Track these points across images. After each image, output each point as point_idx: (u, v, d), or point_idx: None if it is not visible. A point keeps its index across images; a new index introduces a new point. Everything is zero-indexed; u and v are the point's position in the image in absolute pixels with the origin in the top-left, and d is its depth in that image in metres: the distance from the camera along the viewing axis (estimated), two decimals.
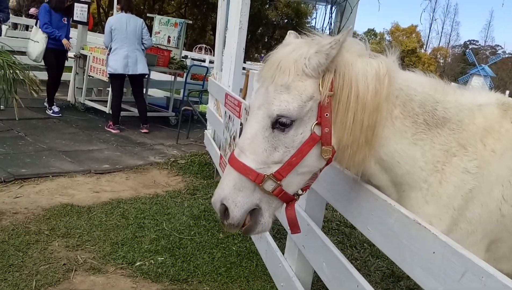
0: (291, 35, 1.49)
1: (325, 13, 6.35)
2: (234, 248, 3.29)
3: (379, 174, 1.51)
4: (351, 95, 1.31)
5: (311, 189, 2.15)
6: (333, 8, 6.39)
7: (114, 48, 6.12)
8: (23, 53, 9.51)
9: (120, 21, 6.16)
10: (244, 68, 6.19)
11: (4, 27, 12.18)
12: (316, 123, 1.31)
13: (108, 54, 6.20)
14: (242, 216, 1.33)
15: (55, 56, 6.51)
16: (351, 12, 6.02)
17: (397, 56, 1.46)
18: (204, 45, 25.55)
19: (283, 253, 2.48)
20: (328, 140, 1.32)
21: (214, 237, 3.43)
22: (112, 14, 13.41)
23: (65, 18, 6.60)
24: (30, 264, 2.73)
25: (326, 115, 1.30)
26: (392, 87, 1.39)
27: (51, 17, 6.37)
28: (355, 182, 1.59)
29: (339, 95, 1.31)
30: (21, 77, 4.83)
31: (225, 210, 1.34)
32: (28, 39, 8.04)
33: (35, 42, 6.36)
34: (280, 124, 1.28)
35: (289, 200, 1.38)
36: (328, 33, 6.69)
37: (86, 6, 7.02)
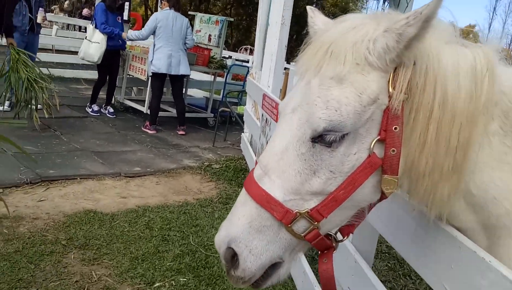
0: (315, 12, 1.05)
1: (377, 9, 5.88)
2: None
3: (463, 213, 1.05)
4: (435, 100, 0.88)
5: None
6: (386, 3, 5.89)
7: (159, 46, 5.92)
8: (74, 53, 9.69)
9: (167, 18, 5.94)
10: (286, 69, 5.79)
11: (55, 27, 12.53)
12: (378, 140, 0.89)
13: (152, 53, 6.05)
14: (259, 270, 0.94)
15: (110, 56, 6.36)
16: (406, 6, 5.47)
17: (499, 44, 1.00)
18: (250, 46, 25.36)
19: None
20: (395, 167, 0.89)
21: None
22: None
23: (119, 17, 6.46)
24: (40, 280, 2.47)
25: (395, 129, 0.87)
26: (492, 90, 0.93)
27: (107, 16, 6.25)
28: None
29: (418, 99, 0.89)
30: (40, 96, 4.83)
31: (233, 256, 0.94)
32: (80, 39, 8.09)
33: (94, 43, 6.20)
34: (326, 141, 0.88)
35: (325, 248, 0.97)
36: None
37: (127, 3, 6.90)
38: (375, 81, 0.87)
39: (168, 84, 6.50)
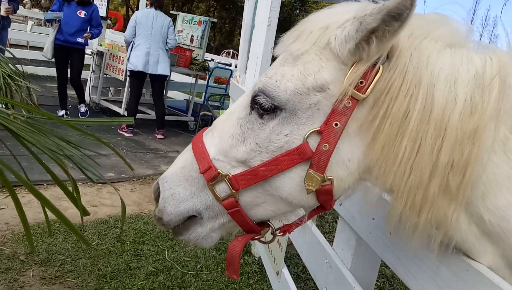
0: None
1: None
2: None
3: (478, 243, 0.86)
4: (412, 110, 0.76)
5: (359, 238, 1.51)
6: None
7: (137, 43, 5.68)
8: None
9: (147, 16, 5.71)
10: None
11: (30, 23, 12.04)
12: (317, 131, 0.81)
13: (130, 50, 5.76)
14: (175, 216, 0.93)
15: (64, 54, 5.79)
16: None
17: None
18: (232, 50, 25.17)
19: None
20: (322, 164, 0.81)
21: (225, 273, 2.80)
22: None
23: (82, 11, 5.77)
24: None
25: (335, 125, 0.80)
26: (507, 101, 0.77)
27: (62, 7, 5.75)
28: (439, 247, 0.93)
29: (386, 105, 0.78)
30: (17, 95, 4.41)
31: (159, 194, 0.95)
32: None
33: (48, 37, 5.91)
34: (257, 103, 0.85)
35: (245, 226, 0.92)
36: None
37: (106, 0, 6.59)
38: (329, 69, 0.82)
39: (148, 85, 6.21)
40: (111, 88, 7.57)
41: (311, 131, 0.81)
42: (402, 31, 0.75)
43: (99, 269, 2.62)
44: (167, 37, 5.80)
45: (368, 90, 0.78)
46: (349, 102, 0.79)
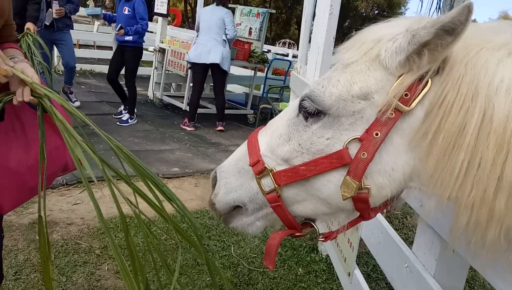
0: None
1: (432, 2, 5.37)
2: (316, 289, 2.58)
3: None
4: (468, 121, 0.73)
5: (445, 242, 1.38)
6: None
7: (198, 39, 5.93)
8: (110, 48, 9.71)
9: (206, 12, 5.90)
10: None
11: (96, 23, 12.68)
12: (358, 139, 0.82)
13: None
14: (224, 204, 1.01)
15: (119, 52, 5.81)
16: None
17: None
18: (288, 40, 24.93)
19: None
20: (359, 172, 0.82)
21: (292, 271, 2.75)
22: None
23: (126, 8, 5.61)
24: None
25: (376, 134, 0.81)
26: None
27: (118, 6, 5.82)
28: None
29: (439, 120, 0.76)
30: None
31: (215, 182, 1.04)
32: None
33: None
34: (303, 107, 0.89)
35: (286, 221, 0.96)
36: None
37: None
38: (376, 79, 0.83)
39: (209, 79, 6.27)
40: (173, 83, 7.76)
41: (352, 138, 0.83)
42: (455, 45, 0.74)
43: (168, 264, 2.68)
44: (225, 28, 5.82)
45: (414, 103, 0.78)
46: (392, 114, 0.79)
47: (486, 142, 0.72)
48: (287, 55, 14.98)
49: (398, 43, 0.79)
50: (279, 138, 0.93)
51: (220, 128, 6.16)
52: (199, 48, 5.79)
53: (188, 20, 21.91)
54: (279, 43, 22.34)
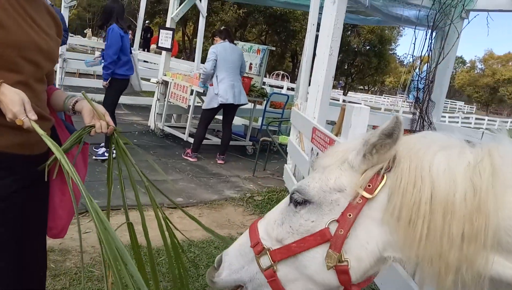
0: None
1: (425, 39, 5.70)
2: None
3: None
4: (421, 197, 0.97)
5: None
6: (434, 33, 5.70)
7: (222, 77, 5.92)
8: None
9: (226, 51, 6.01)
10: (344, 101, 5.66)
11: (97, 53, 12.97)
12: (336, 221, 1.06)
13: (211, 85, 6.02)
14: (226, 283, 1.20)
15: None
16: (457, 37, 5.27)
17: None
18: (282, 72, 25.51)
19: None
20: (338, 245, 1.04)
21: None
22: (195, 42, 13.77)
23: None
24: None
25: (349, 215, 1.05)
26: (501, 172, 0.94)
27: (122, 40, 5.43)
28: None
29: (400, 198, 1.00)
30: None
31: (220, 263, 1.23)
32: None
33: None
34: (293, 198, 1.13)
35: None
36: (427, 63, 6.00)
37: (171, 32, 7.03)
38: (346, 176, 1.08)
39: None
40: (174, 114, 7.97)
41: (331, 220, 1.06)
42: (395, 145, 1.01)
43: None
44: (241, 67, 6.17)
45: (376, 191, 1.02)
46: (360, 200, 1.03)
47: (436, 210, 0.94)
48: (282, 87, 15.36)
49: (358, 148, 1.06)
50: (274, 223, 1.14)
51: (220, 161, 6.32)
52: (231, 88, 5.89)
53: (185, 51, 22.41)
54: (272, 75, 22.89)
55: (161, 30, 7.09)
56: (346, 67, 27.00)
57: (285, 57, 27.24)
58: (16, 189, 1.42)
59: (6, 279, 1.44)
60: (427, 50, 5.73)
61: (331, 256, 1.03)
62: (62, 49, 7.86)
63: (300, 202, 1.10)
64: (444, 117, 19.83)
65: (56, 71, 7.94)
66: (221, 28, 6.67)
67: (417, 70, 6.76)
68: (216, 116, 6.49)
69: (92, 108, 1.53)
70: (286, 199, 1.17)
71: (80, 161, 1.82)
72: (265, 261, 1.12)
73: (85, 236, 3.37)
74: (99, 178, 4.67)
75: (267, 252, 1.12)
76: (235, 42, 7.66)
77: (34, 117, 1.29)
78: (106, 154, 5.36)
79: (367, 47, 24.39)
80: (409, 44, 5.93)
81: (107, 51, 5.28)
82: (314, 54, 4.67)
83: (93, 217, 1.27)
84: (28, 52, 1.36)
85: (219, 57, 5.92)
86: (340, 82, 34.14)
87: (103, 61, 5.42)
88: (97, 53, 5.55)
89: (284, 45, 24.05)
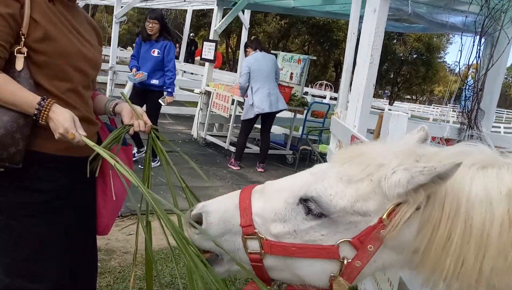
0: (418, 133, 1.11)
1: (473, 45, 5.52)
2: None
3: None
4: (453, 232, 0.91)
5: None
6: (483, 39, 5.51)
7: (256, 88, 6.03)
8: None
9: (258, 61, 6.12)
10: (382, 110, 5.60)
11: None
12: (349, 242, 0.98)
13: (246, 97, 6.16)
14: (205, 243, 1.12)
15: (140, 96, 5.40)
16: (508, 43, 5.06)
17: None
18: (325, 82, 25.37)
19: None
20: (353, 276, 0.98)
21: None
22: (238, 54, 14.05)
23: (155, 50, 5.29)
24: None
25: (370, 248, 0.96)
26: None
27: (140, 48, 5.43)
28: None
29: (431, 234, 0.94)
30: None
31: (197, 220, 1.12)
32: None
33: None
34: (307, 206, 1.01)
35: (261, 277, 1.07)
36: (474, 68, 5.79)
37: (214, 44, 7.25)
38: (375, 201, 0.96)
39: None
40: (216, 124, 8.16)
41: (344, 239, 0.98)
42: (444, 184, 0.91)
43: None
44: (276, 74, 6.24)
45: (402, 223, 0.94)
46: (385, 232, 0.95)
47: (468, 246, 0.89)
48: (324, 97, 15.28)
49: (398, 178, 0.93)
50: (274, 214, 1.03)
51: (260, 169, 6.40)
52: (267, 97, 5.96)
53: (229, 62, 22.87)
54: (315, 85, 22.85)
55: (204, 42, 7.33)
56: (391, 76, 26.42)
57: (328, 67, 27.09)
58: (70, 189, 1.55)
59: (65, 277, 1.56)
60: (475, 57, 5.55)
61: (341, 285, 0.98)
62: (112, 62, 8.30)
63: (315, 213, 1.00)
64: (499, 127, 18.88)
65: (106, 83, 8.39)
66: (252, 38, 6.80)
67: (468, 78, 6.54)
68: (256, 125, 6.60)
69: (131, 108, 1.64)
70: (295, 188, 1.05)
71: (125, 162, 1.93)
72: (254, 245, 1.04)
73: (129, 237, 3.53)
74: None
75: (260, 240, 1.03)
76: (275, 52, 7.74)
77: (83, 133, 1.42)
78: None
79: (414, 56, 23.78)
80: (462, 43, 5.76)
81: (171, 65, 5.33)
82: (355, 63, 4.66)
83: (162, 218, 1.36)
84: (76, 61, 1.50)
85: (252, 68, 6.04)
86: (386, 91, 33.40)
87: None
88: (134, 70, 5.27)
89: (327, 55, 23.97)
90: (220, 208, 1.10)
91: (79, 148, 1.48)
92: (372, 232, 0.96)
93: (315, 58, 8.90)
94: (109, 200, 1.71)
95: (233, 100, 6.73)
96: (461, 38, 5.60)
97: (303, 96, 7.60)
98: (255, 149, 7.05)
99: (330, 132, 6.20)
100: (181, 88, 11.69)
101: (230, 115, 6.85)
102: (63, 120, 1.37)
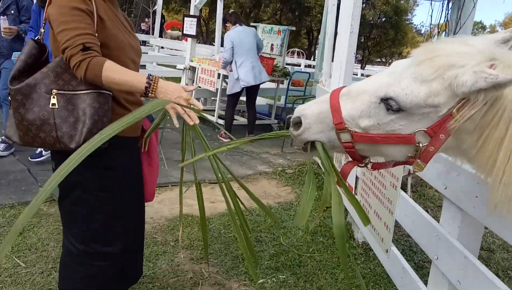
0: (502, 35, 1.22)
1: (442, 9, 5.87)
2: (357, 270, 3.08)
3: None
4: (508, 132, 1.10)
5: (464, 213, 1.89)
6: (450, 3, 5.86)
7: (240, 61, 6.22)
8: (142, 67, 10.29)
9: (240, 35, 6.29)
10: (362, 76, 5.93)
11: None
12: (424, 131, 1.19)
13: (231, 71, 6.37)
14: (307, 139, 1.35)
15: None
16: (473, 7, 5.43)
17: None
18: (297, 49, 25.48)
19: (425, 284, 2.22)
20: (427, 159, 1.22)
21: (334, 255, 3.26)
22: (213, 26, 13.96)
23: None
24: (161, 276, 2.82)
25: (441, 136, 1.19)
26: None
27: (39, 16, 4.19)
28: None
29: (489, 131, 1.13)
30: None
31: (297, 123, 1.36)
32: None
33: None
34: (389, 104, 1.21)
35: (354, 158, 1.36)
36: (436, 34, 6.16)
37: (195, 20, 7.34)
38: (445, 96, 1.14)
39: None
40: (201, 98, 8.35)
41: (420, 129, 1.19)
42: (503, 91, 1.10)
43: (231, 252, 3.21)
44: (258, 46, 6.46)
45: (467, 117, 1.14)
46: (454, 123, 1.15)
47: None
48: (299, 65, 15.51)
49: (466, 79, 1.08)
50: (360, 112, 1.25)
51: None
52: (251, 70, 6.17)
53: (202, 34, 22.64)
54: (288, 53, 22.96)
55: (185, 18, 7.40)
56: (362, 40, 26.75)
57: (301, 35, 27.16)
58: (129, 163, 1.83)
59: (130, 239, 1.87)
60: (444, 21, 5.92)
61: (419, 165, 1.23)
62: None
63: (394, 109, 1.19)
64: None
65: None
66: (230, 13, 6.93)
67: (434, 38, 6.91)
68: (241, 98, 6.86)
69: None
70: (376, 90, 1.23)
71: (154, 139, 2.18)
72: (346, 136, 1.28)
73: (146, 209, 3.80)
74: None
75: (350, 132, 1.26)
76: (255, 24, 7.91)
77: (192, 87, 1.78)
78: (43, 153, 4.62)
79: (383, 19, 24.14)
80: (425, 13, 6.14)
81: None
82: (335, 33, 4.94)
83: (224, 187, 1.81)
84: (128, 52, 1.74)
85: (235, 43, 6.22)
86: (357, 55, 33.81)
87: None
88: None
89: (299, 22, 24.01)
90: (313, 111, 1.32)
91: (136, 129, 1.75)
92: (444, 123, 1.16)
93: (294, 28, 9.09)
94: (154, 171, 1.99)
95: (219, 74, 6.93)
96: (430, 3, 5.95)
97: (285, 66, 7.85)
98: (242, 120, 7.33)
99: (312, 100, 6.50)
100: (160, 64, 11.69)
101: (217, 89, 7.06)
102: (173, 89, 1.62)
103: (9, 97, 1.59)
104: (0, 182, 3.99)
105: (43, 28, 1.73)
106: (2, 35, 4.32)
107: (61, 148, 1.60)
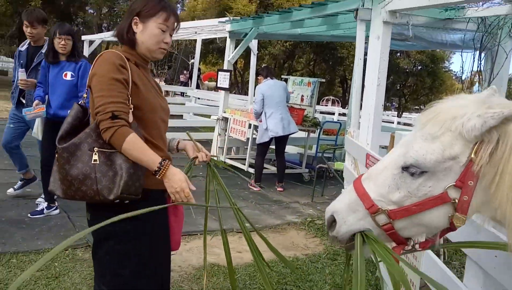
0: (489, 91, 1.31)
1: (473, 60, 5.89)
2: None
3: None
4: None
5: (486, 273, 1.85)
6: (482, 55, 5.88)
7: (270, 112, 6.50)
8: (174, 117, 10.78)
9: (271, 88, 6.61)
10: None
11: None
12: (454, 185, 1.21)
13: (260, 121, 6.61)
14: (347, 234, 1.35)
15: (56, 131, 3.58)
16: (506, 58, 5.43)
17: None
18: (332, 97, 25.78)
19: None
20: (465, 209, 1.22)
21: None
22: (247, 77, 14.56)
23: (68, 73, 4.12)
24: None
25: (470, 183, 1.20)
26: None
27: (48, 73, 4.21)
28: None
29: (502, 167, 1.16)
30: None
31: (332, 222, 1.37)
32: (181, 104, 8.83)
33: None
34: (410, 171, 1.25)
35: (398, 242, 1.34)
36: (477, 81, 6.14)
37: (228, 74, 7.71)
38: (459, 146, 1.19)
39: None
40: (233, 147, 8.57)
41: (450, 185, 1.21)
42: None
43: None
44: (286, 98, 6.75)
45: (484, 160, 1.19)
46: (476, 168, 1.18)
47: None
48: (333, 113, 15.67)
49: (473, 123, 1.15)
50: (388, 188, 1.28)
51: (280, 189, 6.77)
52: (280, 121, 6.43)
53: (237, 85, 23.46)
54: (322, 101, 23.27)
55: (219, 72, 7.79)
56: (398, 88, 26.74)
57: (334, 83, 27.57)
58: (159, 214, 1.95)
59: (157, 285, 1.96)
60: (477, 72, 5.92)
61: (459, 219, 1.21)
62: None
63: (418, 173, 1.23)
64: None
65: None
66: (262, 67, 7.30)
67: (475, 85, 6.87)
68: (271, 146, 7.01)
69: (194, 144, 2.05)
70: (394, 162, 1.28)
71: None
72: (382, 218, 1.28)
73: (172, 258, 3.89)
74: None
75: (385, 212, 1.27)
76: (286, 77, 8.18)
77: (193, 188, 1.81)
78: (45, 211, 4.56)
79: (419, 67, 24.15)
80: (463, 60, 6.18)
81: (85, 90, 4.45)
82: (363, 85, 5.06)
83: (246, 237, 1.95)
84: (159, 113, 1.92)
85: (265, 96, 6.55)
86: (394, 103, 33.66)
87: None
88: (36, 102, 4.18)
89: (333, 72, 24.45)
90: (343, 204, 1.34)
91: (162, 183, 1.88)
92: (468, 171, 1.18)
93: (323, 80, 9.32)
94: (179, 220, 2.10)
95: (249, 124, 7.15)
96: (461, 55, 5.99)
97: (315, 116, 7.99)
98: (273, 169, 7.44)
99: (343, 149, 6.57)
100: (195, 114, 12.18)
101: (248, 139, 7.26)
102: (178, 180, 1.76)
103: (56, 155, 1.78)
104: (42, 227, 4.22)
105: (86, 94, 1.94)
106: (20, 86, 4.44)
107: (100, 200, 1.75)
